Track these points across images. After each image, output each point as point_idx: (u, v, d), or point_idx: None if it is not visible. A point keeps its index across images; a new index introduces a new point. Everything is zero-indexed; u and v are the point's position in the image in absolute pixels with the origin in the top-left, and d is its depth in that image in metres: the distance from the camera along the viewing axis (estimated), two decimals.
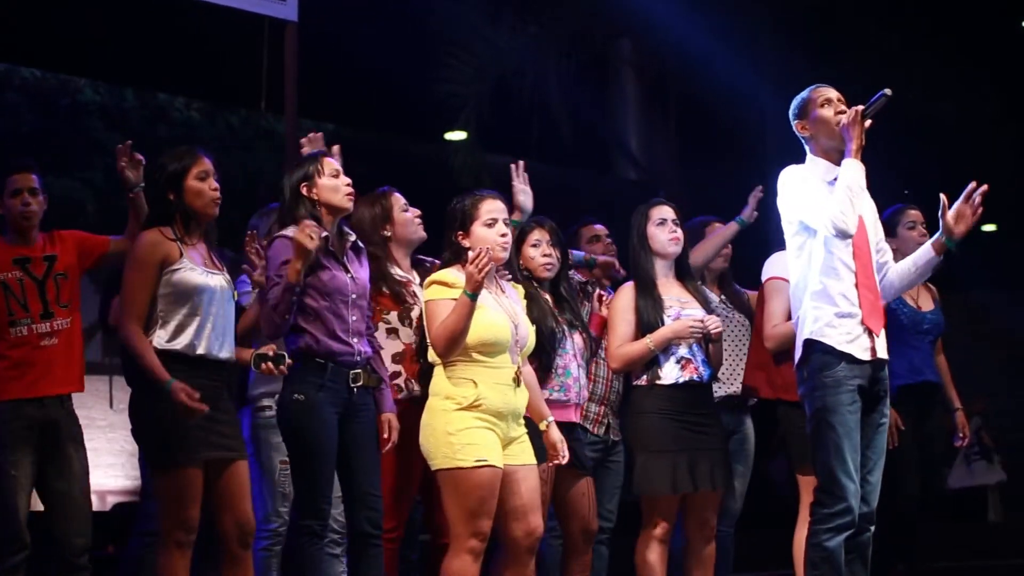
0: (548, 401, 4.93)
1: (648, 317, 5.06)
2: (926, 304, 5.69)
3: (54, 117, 10.08)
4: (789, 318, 5.09)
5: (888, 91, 4.54)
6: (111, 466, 5.00)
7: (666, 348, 5.05)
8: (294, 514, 5.14)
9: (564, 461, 4.64)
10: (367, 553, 4.51)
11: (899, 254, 5.33)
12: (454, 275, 4.38)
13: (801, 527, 5.03)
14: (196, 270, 4.33)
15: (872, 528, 4.66)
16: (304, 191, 4.51)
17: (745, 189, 6.01)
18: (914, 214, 5.66)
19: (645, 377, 5.08)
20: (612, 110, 13.20)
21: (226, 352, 4.40)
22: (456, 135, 11.72)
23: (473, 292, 4.23)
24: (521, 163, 5.27)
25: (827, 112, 4.66)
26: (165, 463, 4.25)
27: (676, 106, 12.60)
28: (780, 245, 5.25)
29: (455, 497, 4.28)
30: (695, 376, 5.08)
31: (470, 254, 4.26)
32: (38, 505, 4.73)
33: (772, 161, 10.61)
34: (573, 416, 5.06)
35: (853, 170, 4.54)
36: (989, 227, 14.46)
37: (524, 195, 5.22)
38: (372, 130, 11.30)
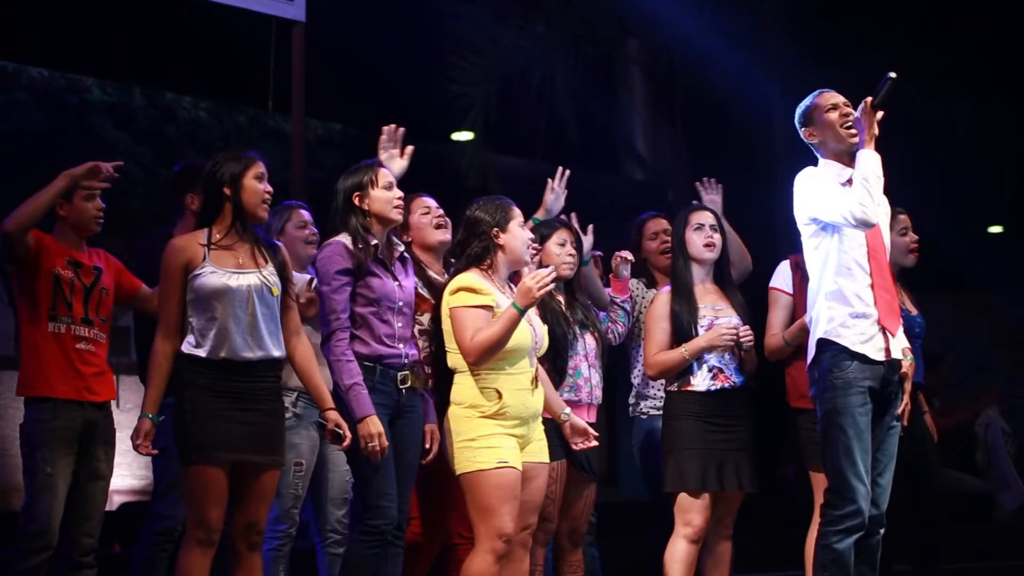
0: None
1: (683, 324, 5.10)
2: (911, 308, 5.64)
3: (62, 116, 10.08)
4: (786, 328, 5.16)
5: (893, 73, 4.54)
6: (118, 465, 5.00)
7: (699, 356, 5.08)
8: (304, 516, 5.13)
9: (595, 444, 4.72)
10: (387, 552, 4.50)
11: None
12: (480, 281, 4.41)
13: (815, 528, 5.03)
14: (218, 272, 4.30)
15: (882, 531, 4.66)
16: (356, 200, 4.57)
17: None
18: (903, 219, 5.62)
19: (676, 384, 5.13)
20: (619, 110, 13.16)
21: (259, 352, 4.32)
22: (463, 135, 11.70)
23: (525, 308, 4.29)
24: (567, 172, 5.52)
25: (834, 116, 4.66)
26: (184, 460, 4.27)
27: (683, 106, 12.57)
28: (787, 252, 5.26)
29: (478, 499, 4.33)
30: (726, 385, 5.10)
31: (527, 270, 4.36)
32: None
33: (780, 161, 10.65)
34: (586, 416, 5.08)
35: (869, 160, 4.54)
36: (996, 228, 14.43)
37: (555, 197, 5.49)
38: (379, 130, 11.27)
